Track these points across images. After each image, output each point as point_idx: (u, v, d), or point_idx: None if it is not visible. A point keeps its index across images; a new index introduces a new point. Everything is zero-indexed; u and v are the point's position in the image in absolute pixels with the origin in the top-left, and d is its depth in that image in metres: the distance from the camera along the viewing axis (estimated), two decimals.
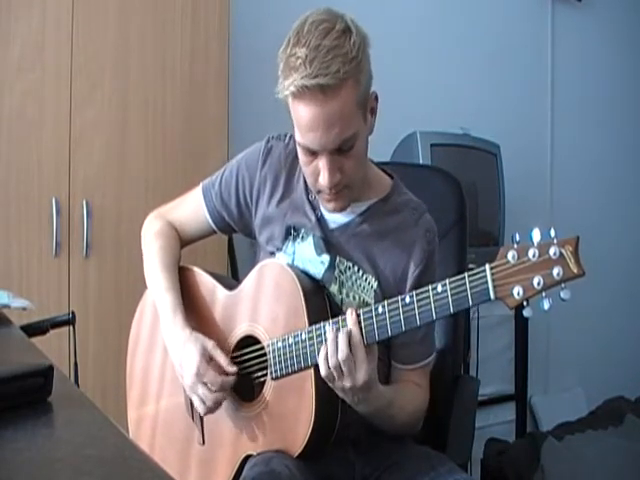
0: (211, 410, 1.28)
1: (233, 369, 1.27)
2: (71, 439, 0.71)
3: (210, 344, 1.28)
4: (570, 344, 3.63)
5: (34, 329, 1.35)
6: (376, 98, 1.25)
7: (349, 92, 1.15)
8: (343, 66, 1.13)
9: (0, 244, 1.97)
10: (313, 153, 1.21)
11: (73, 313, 1.45)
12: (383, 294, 1.28)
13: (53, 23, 2.02)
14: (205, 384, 1.26)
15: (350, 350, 1.13)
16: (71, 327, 1.46)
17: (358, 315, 1.15)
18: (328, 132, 1.16)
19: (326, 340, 1.16)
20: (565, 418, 3.14)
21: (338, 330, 1.15)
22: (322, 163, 1.20)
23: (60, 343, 1.73)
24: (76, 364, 1.49)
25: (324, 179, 1.21)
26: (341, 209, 1.29)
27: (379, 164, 1.41)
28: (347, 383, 1.14)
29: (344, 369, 1.13)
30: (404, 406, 1.29)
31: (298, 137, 1.21)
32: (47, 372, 0.81)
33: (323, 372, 1.15)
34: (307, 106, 1.15)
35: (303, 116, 1.17)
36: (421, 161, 2.71)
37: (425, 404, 1.34)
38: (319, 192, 1.26)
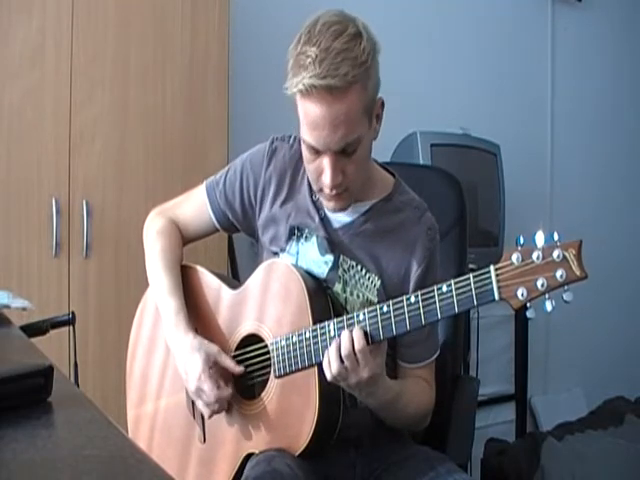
0: (215, 413, 1.29)
1: (240, 369, 1.29)
2: (71, 439, 0.70)
3: (215, 349, 1.29)
4: (570, 344, 3.63)
5: (34, 329, 1.35)
6: (382, 104, 1.26)
7: (356, 96, 1.16)
8: (352, 70, 1.13)
9: (0, 244, 1.97)
10: (317, 151, 1.21)
11: (73, 313, 1.45)
12: (386, 292, 1.29)
13: (53, 23, 2.02)
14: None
15: (353, 347, 1.13)
16: (71, 327, 1.46)
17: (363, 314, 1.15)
18: (333, 133, 1.17)
19: (331, 339, 1.17)
20: (565, 418, 3.14)
21: (342, 329, 1.16)
22: (325, 162, 1.21)
23: (60, 343, 1.73)
24: (76, 364, 1.49)
25: (326, 178, 1.21)
26: (341, 209, 1.30)
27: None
28: (352, 380, 1.14)
29: (348, 365, 1.13)
30: (412, 399, 1.29)
31: (304, 134, 1.21)
32: (47, 372, 0.80)
33: (333, 370, 1.14)
34: (314, 105, 1.16)
35: (310, 114, 1.17)
36: (421, 161, 2.71)
37: (432, 399, 1.34)
38: (320, 190, 1.27)
